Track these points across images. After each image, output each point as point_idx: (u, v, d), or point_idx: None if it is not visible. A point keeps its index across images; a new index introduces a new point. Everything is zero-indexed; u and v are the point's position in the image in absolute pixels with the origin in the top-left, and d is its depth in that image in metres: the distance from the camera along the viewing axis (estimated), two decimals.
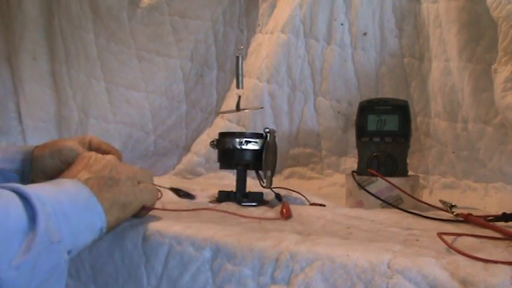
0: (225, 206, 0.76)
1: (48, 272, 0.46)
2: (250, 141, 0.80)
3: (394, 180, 0.76)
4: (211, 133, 1.17)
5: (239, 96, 0.87)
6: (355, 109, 0.89)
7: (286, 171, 1.11)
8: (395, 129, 0.82)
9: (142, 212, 0.62)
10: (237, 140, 0.80)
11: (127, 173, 0.61)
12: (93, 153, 0.63)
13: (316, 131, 1.08)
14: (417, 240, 0.53)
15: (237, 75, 0.87)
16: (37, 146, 0.70)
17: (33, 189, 0.47)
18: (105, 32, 1.29)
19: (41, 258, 0.45)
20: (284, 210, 0.68)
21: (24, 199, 0.46)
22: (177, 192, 0.87)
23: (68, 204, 0.50)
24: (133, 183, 0.61)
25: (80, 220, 0.51)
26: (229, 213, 0.68)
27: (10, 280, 0.42)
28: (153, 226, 0.59)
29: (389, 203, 0.74)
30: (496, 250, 0.47)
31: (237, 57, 0.86)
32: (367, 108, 0.85)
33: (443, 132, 0.92)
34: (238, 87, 0.87)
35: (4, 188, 0.47)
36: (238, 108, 0.88)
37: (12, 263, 0.42)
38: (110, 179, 0.58)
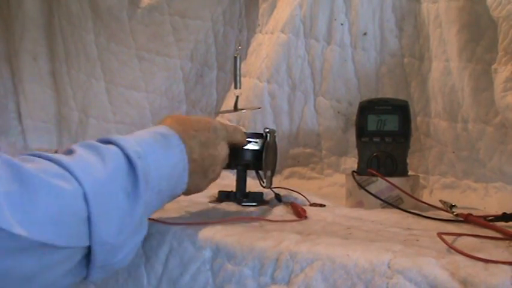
0: (225, 206, 0.76)
1: (133, 244, 0.49)
2: (250, 141, 0.80)
3: (394, 180, 0.76)
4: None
5: (237, 96, 0.87)
6: (355, 109, 0.89)
7: (286, 171, 1.11)
8: (395, 129, 0.82)
9: None
10: None
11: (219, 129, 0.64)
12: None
13: (316, 131, 1.08)
14: (417, 240, 0.53)
15: (235, 75, 0.87)
16: None
17: (139, 159, 0.49)
18: (105, 32, 1.29)
19: (131, 236, 0.48)
20: (300, 209, 0.69)
21: (131, 166, 0.47)
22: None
23: (167, 177, 0.53)
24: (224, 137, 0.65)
25: (168, 192, 0.55)
26: (256, 219, 0.67)
27: (107, 245, 0.45)
28: (154, 226, 0.59)
29: (389, 203, 0.74)
30: (496, 250, 0.47)
31: (235, 58, 0.86)
32: (367, 108, 0.85)
33: (443, 132, 0.92)
34: (236, 87, 0.87)
35: (113, 142, 0.49)
36: (236, 108, 0.88)
37: (110, 234, 0.45)
38: (205, 171, 0.61)
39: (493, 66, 0.79)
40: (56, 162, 0.43)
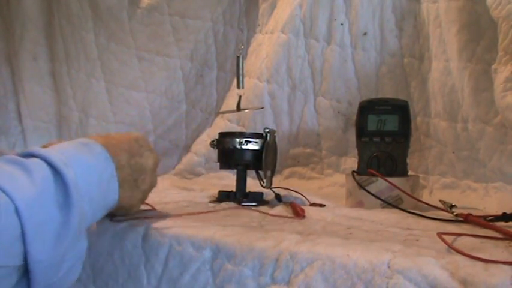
0: (225, 206, 0.76)
1: (75, 258, 0.47)
2: (250, 141, 0.80)
3: (394, 180, 0.76)
4: (211, 133, 1.17)
5: (240, 96, 0.87)
6: (355, 109, 0.89)
7: (286, 171, 1.11)
8: (395, 129, 0.82)
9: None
10: (237, 140, 0.80)
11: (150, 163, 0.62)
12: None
13: (316, 131, 1.08)
14: (417, 240, 0.53)
15: (238, 75, 0.87)
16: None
17: (66, 167, 0.46)
18: (105, 32, 1.29)
19: (70, 249, 0.45)
20: (298, 209, 0.69)
21: (58, 176, 0.45)
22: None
23: (95, 184, 0.51)
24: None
25: (100, 201, 0.52)
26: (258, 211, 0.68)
27: (44, 262, 0.42)
28: (153, 226, 0.59)
29: (389, 203, 0.74)
30: (496, 250, 0.47)
31: (238, 57, 0.86)
32: (367, 108, 0.85)
33: (443, 132, 0.92)
34: (238, 87, 0.87)
35: (35, 155, 0.46)
36: (238, 108, 0.88)
37: (46, 250, 0.42)
38: (135, 180, 0.59)
39: (493, 66, 0.79)
40: None
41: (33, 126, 1.39)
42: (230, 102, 1.16)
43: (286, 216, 0.67)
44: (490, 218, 0.63)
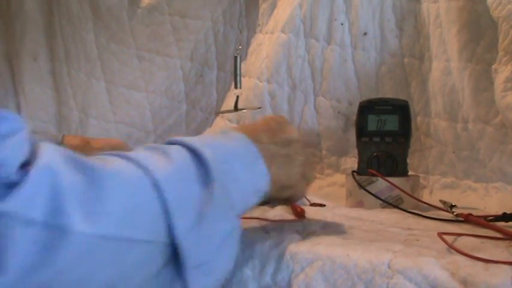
0: None
1: (224, 239, 0.44)
2: None
3: (394, 180, 0.76)
4: (211, 133, 1.17)
5: (237, 96, 0.87)
6: (355, 109, 0.89)
7: None
8: (395, 129, 0.82)
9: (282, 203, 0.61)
10: None
11: (303, 150, 0.59)
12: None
13: (316, 131, 1.08)
14: (417, 240, 0.53)
15: (235, 75, 0.87)
16: (66, 135, 0.69)
17: (204, 147, 0.45)
18: (105, 32, 1.29)
19: (216, 229, 0.43)
20: (299, 209, 0.69)
21: (196, 156, 0.44)
22: None
23: (239, 167, 0.49)
24: (304, 163, 0.58)
25: (249, 183, 0.50)
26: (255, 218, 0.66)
27: (190, 239, 0.40)
28: None
29: (389, 203, 0.74)
30: (496, 250, 0.47)
31: (235, 57, 0.86)
32: (367, 108, 0.85)
33: (443, 132, 0.92)
34: (236, 87, 0.87)
35: (174, 143, 0.46)
36: (236, 108, 0.88)
37: (191, 226, 0.41)
38: (286, 155, 0.56)
39: (493, 66, 0.79)
40: (119, 155, 0.41)
41: (33, 126, 1.39)
42: (230, 102, 1.16)
43: (286, 221, 0.66)
44: (490, 218, 0.63)
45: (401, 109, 0.83)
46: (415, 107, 0.97)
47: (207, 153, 0.45)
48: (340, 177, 1.01)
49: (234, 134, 0.52)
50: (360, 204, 0.78)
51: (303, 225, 0.62)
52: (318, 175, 1.08)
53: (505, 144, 0.82)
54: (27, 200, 0.32)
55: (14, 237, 0.32)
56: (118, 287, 0.38)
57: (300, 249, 0.49)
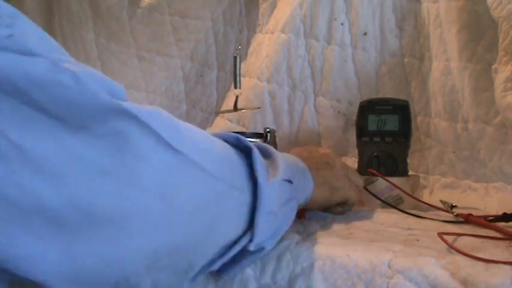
0: None
1: (287, 202, 0.51)
2: (250, 141, 0.80)
3: (395, 180, 0.76)
4: (212, 133, 1.17)
5: (237, 96, 0.87)
6: (355, 109, 0.89)
7: None
8: (395, 129, 0.82)
9: (339, 210, 0.66)
10: None
11: (341, 165, 0.66)
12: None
13: (316, 131, 1.08)
14: (417, 240, 0.53)
15: (235, 75, 0.87)
16: None
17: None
18: (105, 31, 1.29)
19: (279, 193, 0.49)
20: (299, 210, 0.69)
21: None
22: None
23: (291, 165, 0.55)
24: (345, 174, 0.65)
25: (300, 181, 0.56)
26: None
27: (265, 190, 0.46)
28: None
29: (389, 203, 0.74)
30: (496, 250, 0.47)
31: (235, 57, 0.86)
32: (368, 108, 0.85)
33: (443, 132, 0.92)
34: (236, 87, 0.87)
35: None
36: (235, 108, 0.88)
37: (265, 181, 0.46)
38: (326, 162, 0.63)
39: (494, 66, 0.79)
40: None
41: None
42: (230, 102, 1.16)
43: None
44: (490, 218, 0.63)
45: (401, 109, 0.83)
46: (415, 107, 0.97)
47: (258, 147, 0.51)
48: None
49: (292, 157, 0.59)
50: (360, 204, 0.78)
51: (303, 225, 0.62)
52: None
53: (505, 144, 0.82)
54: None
55: (148, 144, 0.34)
56: (216, 226, 0.41)
57: (300, 249, 0.49)
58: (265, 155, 0.52)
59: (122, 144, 0.33)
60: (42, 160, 0.30)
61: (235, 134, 0.51)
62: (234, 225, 0.44)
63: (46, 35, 0.35)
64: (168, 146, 0.35)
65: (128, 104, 0.34)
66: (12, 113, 0.30)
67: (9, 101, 0.30)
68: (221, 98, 1.24)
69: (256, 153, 0.48)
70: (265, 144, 0.54)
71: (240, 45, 0.89)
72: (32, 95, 0.30)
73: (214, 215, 0.41)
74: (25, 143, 0.30)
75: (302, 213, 0.68)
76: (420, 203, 0.75)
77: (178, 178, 0.36)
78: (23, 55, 0.31)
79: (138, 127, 0.34)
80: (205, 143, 0.43)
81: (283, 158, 0.54)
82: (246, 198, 0.45)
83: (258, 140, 0.80)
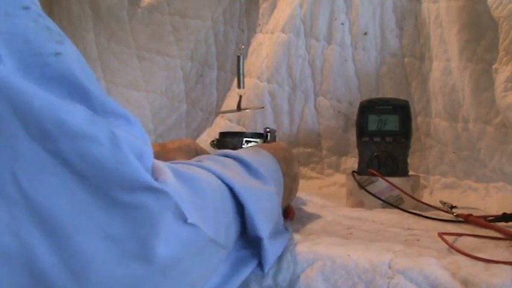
0: None
1: (268, 199, 0.51)
2: (250, 141, 0.80)
3: (395, 180, 0.76)
4: (212, 133, 1.17)
5: (240, 96, 0.87)
6: (355, 109, 0.89)
7: None
8: (395, 129, 0.82)
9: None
10: (238, 139, 0.80)
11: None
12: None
13: (316, 131, 1.08)
14: (418, 240, 0.53)
15: (238, 74, 0.87)
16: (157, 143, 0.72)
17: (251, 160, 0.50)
18: (105, 31, 1.29)
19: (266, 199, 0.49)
20: (288, 211, 0.68)
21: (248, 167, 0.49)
22: None
23: (272, 175, 0.54)
24: None
25: (280, 191, 0.56)
26: None
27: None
28: None
29: (389, 203, 0.74)
30: (497, 250, 0.47)
31: (238, 57, 0.86)
32: (368, 108, 0.85)
33: (443, 132, 0.92)
34: (239, 87, 0.87)
35: (227, 155, 0.50)
36: (239, 108, 0.88)
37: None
38: (290, 188, 0.62)
39: (494, 66, 0.79)
40: (196, 165, 0.44)
41: None
42: (230, 102, 1.16)
43: None
44: (490, 218, 0.63)
45: (401, 109, 0.83)
46: (415, 107, 0.97)
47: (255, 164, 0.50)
48: (340, 177, 1.01)
49: (265, 153, 0.57)
50: (360, 204, 0.78)
51: (303, 225, 0.62)
52: (318, 175, 1.08)
53: (505, 144, 0.82)
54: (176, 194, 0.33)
55: (167, 219, 0.32)
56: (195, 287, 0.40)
57: (300, 249, 0.49)
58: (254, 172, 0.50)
59: (141, 217, 0.31)
60: (49, 215, 0.28)
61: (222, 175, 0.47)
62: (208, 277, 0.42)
63: (85, 62, 0.33)
64: (185, 219, 0.34)
65: (156, 165, 0.33)
66: (32, 159, 0.28)
67: (33, 145, 0.28)
68: (221, 98, 1.24)
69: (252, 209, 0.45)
70: (242, 157, 0.51)
71: (243, 45, 0.89)
72: (59, 144, 0.28)
73: (199, 275, 0.39)
74: (35, 194, 0.28)
75: (290, 213, 0.67)
76: (420, 204, 0.75)
77: (187, 251, 0.35)
78: (61, 101, 0.29)
79: (163, 202, 0.32)
80: (212, 203, 0.40)
81: (262, 164, 0.53)
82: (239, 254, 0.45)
83: (258, 140, 0.80)
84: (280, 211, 0.54)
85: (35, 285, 0.28)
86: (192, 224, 0.34)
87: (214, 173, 0.43)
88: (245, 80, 0.88)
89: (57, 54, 0.31)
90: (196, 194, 0.37)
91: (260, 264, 0.46)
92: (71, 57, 0.32)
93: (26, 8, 0.31)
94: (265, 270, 0.46)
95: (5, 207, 0.27)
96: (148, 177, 0.31)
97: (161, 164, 0.35)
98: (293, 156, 0.66)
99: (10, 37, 0.29)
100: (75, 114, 0.29)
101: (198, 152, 0.69)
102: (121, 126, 0.32)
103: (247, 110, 0.96)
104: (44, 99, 0.28)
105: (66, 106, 0.29)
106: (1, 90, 0.27)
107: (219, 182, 0.43)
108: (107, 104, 0.33)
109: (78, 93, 0.31)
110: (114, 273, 0.30)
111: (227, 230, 0.42)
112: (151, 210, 0.31)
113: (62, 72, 0.31)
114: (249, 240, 0.47)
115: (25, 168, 0.28)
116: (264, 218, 0.46)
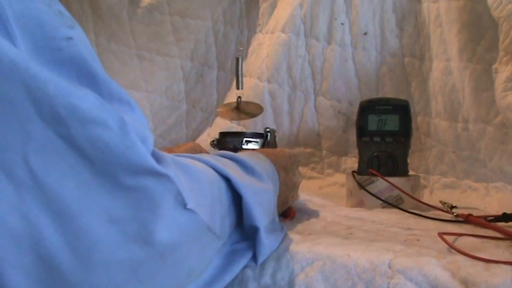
0: None
1: (264, 192, 0.52)
2: (250, 141, 0.80)
3: (395, 180, 0.76)
4: (212, 133, 1.17)
5: (239, 97, 0.87)
6: (355, 109, 0.89)
7: None
8: (395, 129, 0.82)
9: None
10: (238, 139, 0.80)
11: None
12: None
13: (316, 131, 1.08)
14: (418, 240, 0.53)
15: (237, 76, 0.87)
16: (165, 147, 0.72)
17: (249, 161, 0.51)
18: (105, 31, 1.29)
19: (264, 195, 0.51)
20: (289, 210, 0.68)
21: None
22: None
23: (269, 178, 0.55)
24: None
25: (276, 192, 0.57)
26: None
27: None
28: None
29: (389, 203, 0.74)
30: (497, 250, 0.47)
31: (237, 58, 0.86)
32: (368, 107, 0.84)
33: (443, 132, 0.92)
34: (238, 88, 0.87)
35: (224, 156, 0.50)
36: (238, 109, 0.88)
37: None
38: (286, 196, 0.62)
39: (494, 66, 0.79)
40: (193, 158, 0.45)
41: None
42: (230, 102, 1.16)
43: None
44: (490, 218, 0.63)
45: (401, 109, 0.83)
46: (415, 107, 0.97)
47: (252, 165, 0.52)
48: (340, 177, 1.01)
49: (262, 156, 0.58)
50: (360, 204, 0.78)
51: (303, 225, 0.62)
52: (318, 175, 1.08)
53: (505, 144, 0.82)
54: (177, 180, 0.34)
55: (168, 203, 0.33)
56: (191, 277, 0.40)
57: (300, 249, 0.48)
58: (249, 170, 0.51)
59: (144, 200, 0.32)
60: (56, 197, 0.29)
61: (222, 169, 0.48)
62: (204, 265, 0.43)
63: (93, 50, 0.34)
64: (184, 205, 0.35)
65: (156, 153, 0.34)
66: (44, 142, 0.28)
67: (45, 130, 0.28)
68: (221, 98, 1.24)
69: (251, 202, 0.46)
70: (238, 158, 0.52)
71: (242, 47, 0.89)
72: (70, 129, 0.29)
73: (195, 263, 0.40)
74: (45, 177, 0.28)
75: (290, 213, 0.68)
76: (420, 204, 0.75)
77: (185, 237, 0.36)
78: (73, 87, 0.30)
79: (166, 186, 0.33)
80: (209, 192, 0.41)
81: (258, 164, 0.53)
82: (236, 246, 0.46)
83: (258, 140, 0.80)
84: (276, 210, 0.54)
85: (42, 266, 0.28)
86: (190, 210, 0.35)
87: (211, 166, 0.44)
88: (245, 79, 0.88)
89: (69, 38, 0.31)
90: (194, 182, 0.38)
91: (254, 257, 0.47)
92: (81, 42, 0.32)
93: None
94: (259, 262, 0.47)
95: (14, 190, 0.28)
96: (153, 162, 0.32)
97: (160, 152, 0.36)
98: (296, 164, 0.66)
99: (23, 20, 0.29)
100: (86, 100, 0.30)
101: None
102: (127, 112, 0.34)
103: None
104: (58, 85, 0.29)
105: (78, 91, 0.30)
106: (18, 75, 0.27)
107: (216, 174, 0.44)
108: (114, 90, 0.34)
109: (86, 78, 0.32)
110: (116, 256, 0.31)
111: (222, 220, 0.43)
112: (153, 193, 0.32)
113: (73, 57, 0.31)
114: (243, 234, 0.47)
115: (37, 152, 0.28)
116: (262, 210, 0.47)
